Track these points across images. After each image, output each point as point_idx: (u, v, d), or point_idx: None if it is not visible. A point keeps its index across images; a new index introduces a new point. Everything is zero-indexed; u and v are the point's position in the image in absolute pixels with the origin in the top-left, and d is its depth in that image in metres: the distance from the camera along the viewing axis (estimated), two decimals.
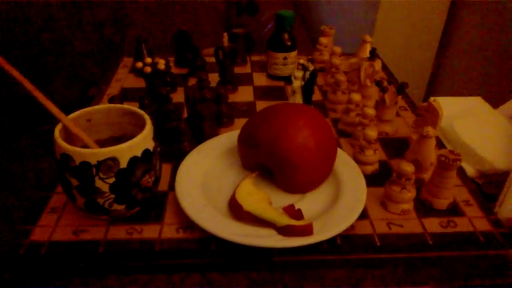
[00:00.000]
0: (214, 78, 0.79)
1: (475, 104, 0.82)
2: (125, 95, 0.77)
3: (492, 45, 1.22)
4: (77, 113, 0.48)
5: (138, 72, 0.79)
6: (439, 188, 0.51)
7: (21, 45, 1.62)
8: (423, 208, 0.52)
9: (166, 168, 0.57)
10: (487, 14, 1.23)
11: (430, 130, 0.52)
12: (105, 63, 1.69)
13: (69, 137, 0.45)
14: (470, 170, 0.69)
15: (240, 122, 0.65)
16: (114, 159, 0.42)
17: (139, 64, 0.69)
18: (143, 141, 0.44)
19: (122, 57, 0.92)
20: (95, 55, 1.72)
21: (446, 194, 0.51)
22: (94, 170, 0.42)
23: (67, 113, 0.46)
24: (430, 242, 0.47)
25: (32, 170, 1.43)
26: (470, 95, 0.89)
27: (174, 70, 0.85)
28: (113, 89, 0.80)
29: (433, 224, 0.50)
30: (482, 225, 0.50)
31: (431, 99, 0.60)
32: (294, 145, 0.49)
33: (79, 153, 0.41)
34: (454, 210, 0.52)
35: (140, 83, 0.79)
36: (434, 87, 1.51)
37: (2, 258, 0.46)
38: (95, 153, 0.42)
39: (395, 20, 1.34)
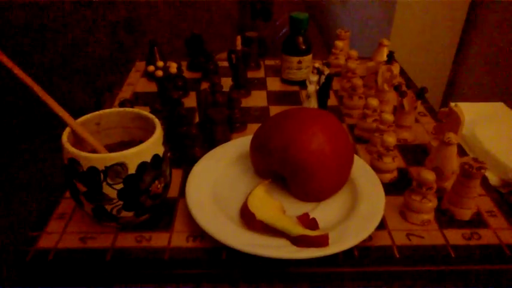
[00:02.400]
0: (227, 82, 0.78)
1: (497, 109, 0.80)
2: (137, 99, 0.76)
3: None
4: (86, 116, 0.46)
5: (150, 76, 0.78)
6: (462, 198, 0.48)
7: (36, 49, 1.64)
8: (445, 219, 0.49)
9: (176, 174, 0.56)
10: (506, 16, 1.20)
11: (451, 136, 0.50)
12: (118, 68, 1.70)
13: (78, 142, 0.44)
14: (493, 179, 0.66)
15: (253, 127, 0.64)
16: (122, 165, 0.41)
17: (151, 68, 0.68)
18: (152, 146, 0.43)
19: (134, 61, 0.92)
20: (108, 59, 1.73)
21: (470, 204, 0.49)
22: (102, 175, 0.40)
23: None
24: (453, 255, 0.45)
25: (42, 174, 1.44)
26: (490, 100, 0.86)
27: (187, 74, 0.84)
28: (125, 93, 0.79)
29: (456, 236, 0.47)
30: (508, 237, 0.47)
31: (452, 104, 0.58)
32: (309, 151, 0.47)
33: (86, 158, 0.40)
34: (478, 221, 0.49)
35: (152, 87, 0.78)
36: (452, 92, 1.48)
37: (9, 264, 0.45)
38: (103, 159, 0.40)
39: (412, 23, 1.32)
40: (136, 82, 0.83)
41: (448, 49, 1.41)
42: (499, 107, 0.80)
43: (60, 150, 0.42)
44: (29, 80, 0.40)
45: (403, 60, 0.95)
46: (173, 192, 0.53)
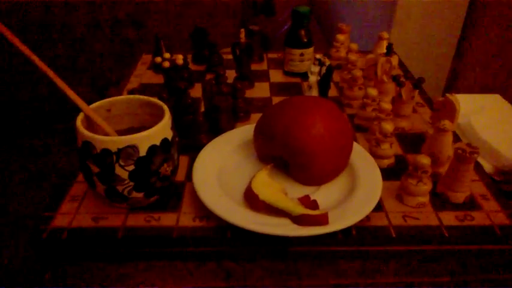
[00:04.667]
0: (231, 74, 0.80)
1: (494, 101, 0.82)
2: (144, 90, 0.78)
3: None
4: (98, 103, 0.49)
5: (156, 68, 0.80)
6: (456, 182, 0.51)
7: (40, 45, 1.66)
8: (439, 202, 0.52)
9: (183, 160, 0.58)
10: (507, 9, 1.21)
11: (446, 123, 0.52)
12: (123, 63, 1.72)
13: (90, 127, 0.46)
14: (487, 167, 0.68)
15: (256, 117, 0.65)
16: (134, 147, 0.43)
17: (158, 59, 0.70)
18: (162, 130, 0.45)
19: (140, 55, 0.94)
20: (113, 55, 1.75)
21: (463, 187, 0.51)
22: (114, 157, 0.43)
23: None
24: (446, 235, 0.47)
25: (50, 164, 1.46)
26: (490, 93, 0.88)
27: (192, 67, 0.86)
28: (132, 84, 0.81)
29: (450, 218, 0.49)
30: (500, 219, 0.49)
31: (449, 94, 0.60)
32: (309, 136, 0.50)
33: (100, 141, 0.43)
34: (471, 204, 0.51)
35: (159, 79, 0.81)
36: (453, 85, 1.50)
37: (26, 243, 0.47)
38: (115, 141, 0.43)
39: (414, 17, 1.33)
40: (143, 74, 0.85)
41: (449, 44, 1.42)
42: (495, 98, 0.82)
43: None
44: (45, 68, 0.43)
45: (405, 55, 0.97)
46: (180, 176, 0.55)
